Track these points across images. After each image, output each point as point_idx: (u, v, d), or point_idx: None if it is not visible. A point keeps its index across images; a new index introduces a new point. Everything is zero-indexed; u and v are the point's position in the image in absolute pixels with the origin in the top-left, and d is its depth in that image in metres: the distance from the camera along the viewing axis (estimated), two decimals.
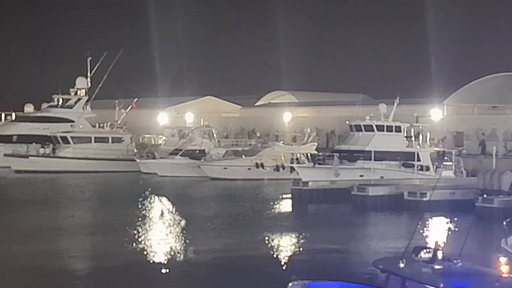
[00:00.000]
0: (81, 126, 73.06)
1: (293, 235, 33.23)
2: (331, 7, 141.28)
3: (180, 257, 27.63)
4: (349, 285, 15.91)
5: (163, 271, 25.18)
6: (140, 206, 42.37)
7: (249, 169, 60.64)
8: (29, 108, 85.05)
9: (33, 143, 69.16)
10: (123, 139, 72.00)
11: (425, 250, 14.76)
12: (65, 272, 25.24)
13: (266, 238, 31.64)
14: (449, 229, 35.27)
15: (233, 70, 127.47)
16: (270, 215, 40.99)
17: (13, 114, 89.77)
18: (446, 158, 49.47)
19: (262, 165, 60.29)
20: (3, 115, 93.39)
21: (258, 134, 73.81)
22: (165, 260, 27.03)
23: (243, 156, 62.41)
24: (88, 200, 47.83)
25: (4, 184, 57.56)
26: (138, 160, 65.88)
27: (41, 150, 68.63)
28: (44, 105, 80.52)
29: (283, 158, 60.74)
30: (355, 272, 24.28)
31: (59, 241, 31.42)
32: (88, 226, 36.03)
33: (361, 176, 47.60)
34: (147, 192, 49.53)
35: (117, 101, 77.15)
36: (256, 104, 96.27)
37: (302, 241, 31.45)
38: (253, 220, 38.49)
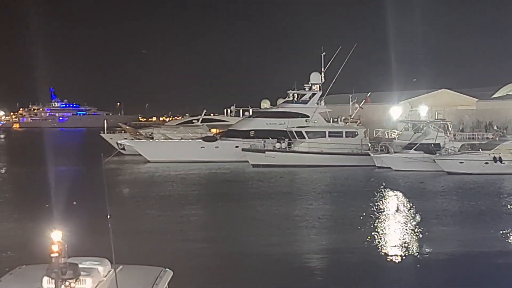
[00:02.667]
0: (315, 121, 74.06)
1: None
2: None
3: (415, 252, 26.88)
4: None
5: (398, 265, 24.68)
6: (375, 200, 41.99)
7: (486, 163, 58.29)
8: (265, 104, 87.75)
9: (270, 138, 70.96)
10: (357, 133, 72.00)
11: None
12: (303, 262, 25.61)
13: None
14: None
15: (468, 62, 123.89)
16: None
17: (251, 110, 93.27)
18: None
19: (500, 159, 57.72)
20: (241, 111, 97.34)
21: (495, 127, 71.08)
22: (400, 254, 26.41)
23: (480, 150, 60.23)
24: (324, 193, 48.15)
25: (244, 178, 59.53)
26: (372, 154, 65.59)
27: (277, 145, 70.30)
28: (280, 101, 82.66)
29: None
30: None
31: (298, 232, 32.14)
32: (325, 218, 36.39)
33: None
34: (381, 186, 49.10)
35: (350, 96, 77.45)
36: (493, 96, 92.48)
37: None
38: (497, 215, 36.70)
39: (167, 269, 12.62)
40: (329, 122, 75.20)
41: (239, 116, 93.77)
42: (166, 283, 12.00)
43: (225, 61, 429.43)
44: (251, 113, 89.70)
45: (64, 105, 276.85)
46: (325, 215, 37.59)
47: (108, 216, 10.87)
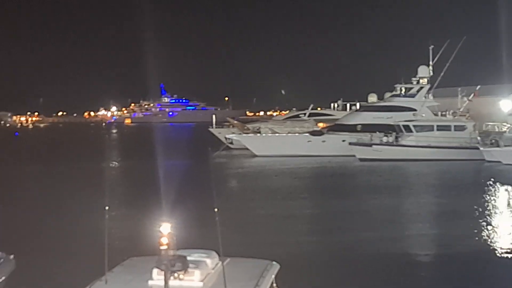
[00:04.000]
0: (423, 115, 72.87)
1: None
2: None
3: None
4: None
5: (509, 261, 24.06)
6: (484, 195, 40.95)
7: None
8: (372, 98, 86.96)
9: (377, 132, 70.28)
10: (465, 127, 70.35)
11: None
12: (414, 256, 25.30)
13: None
14: None
15: None
16: None
17: (358, 104, 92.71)
18: None
19: None
20: (347, 105, 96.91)
21: None
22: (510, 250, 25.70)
23: None
24: (433, 187, 47.43)
25: (351, 171, 59.28)
26: (481, 148, 63.94)
27: (384, 139, 69.53)
28: (387, 95, 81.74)
29: None
30: None
31: (410, 226, 31.86)
32: (436, 212, 35.89)
33: None
34: (491, 181, 47.80)
35: (459, 89, 75.80)
36: None
37: None
38: None
39: (274, 262, 12.72)
40: (437, 115, 73.84)
41: (346, 110, 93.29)
42: (273, 276, 12.09)
43: (331, 56, 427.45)
44: (358, 107, 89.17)
45: (173, 101, 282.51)
46: (436, 209, 36.99)
47: (216, 209, 11.05)
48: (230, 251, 11.72)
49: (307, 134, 75.67)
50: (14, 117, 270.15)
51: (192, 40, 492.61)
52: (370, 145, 69.01)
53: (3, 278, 15.13)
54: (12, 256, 16.07)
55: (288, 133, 76.67)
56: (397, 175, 56.26)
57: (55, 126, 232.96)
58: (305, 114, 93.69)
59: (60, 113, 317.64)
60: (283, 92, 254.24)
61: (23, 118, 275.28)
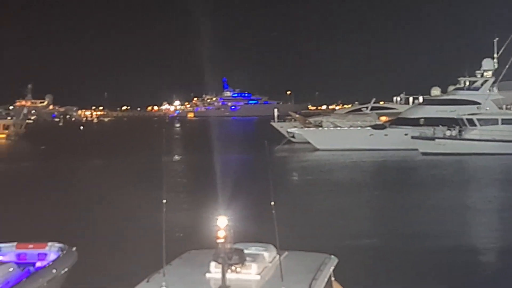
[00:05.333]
0: (487, 108, 71.65)
1: None
2: None
3: None
4: None
5: None
6: None
7: None
8: (436, 91, 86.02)
9: (440, 126, 69.35)
10: None
11: None
12: (475, 251, 24.85)
13: None
14: None
15: None
16: None
17: (421, 98, 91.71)
18: None
19: None
20: (410, 98, 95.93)
21: None
22: None
23: None
24: (498, 181, 46.67)
25: (414, 165, 58.70)
26: None
27: (448, 133, 68.59)
28: (451, 88, 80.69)
29: None
30: None
31: (480, 221, 31.61)
32: (503, 207, 35.30)
33: None
34: None
35: None
36: None
37: None
38: None
39: (332, 255, 12.65)
40: (502, 109, 72.51)
41: (409, 104, 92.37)
42: (331, 270, 12.03)
43: (394, 49, 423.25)
44: (421, 101, 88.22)
45: (236, 95, 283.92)
46: (504, 204, 36.30)
47: (272, 203, 11.05)
48: (287, 245, 11.72)
49: (369, 127, 75.23)
50: (79, 112, 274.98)
51: (255, 35, 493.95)
52: (433, 138, 68.16)
53: (66, 270, 15.42)
54: (74, 249, 16.37)
55: (350, 126, 76.32)
56: (461, 169, 55.45)
57: (119, 120, 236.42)
58: (367, 107, 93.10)
59: (124, 108, 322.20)
60: (317, 93, 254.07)
61: (88, 113, 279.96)
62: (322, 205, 36.15)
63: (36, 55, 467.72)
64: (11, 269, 14.12)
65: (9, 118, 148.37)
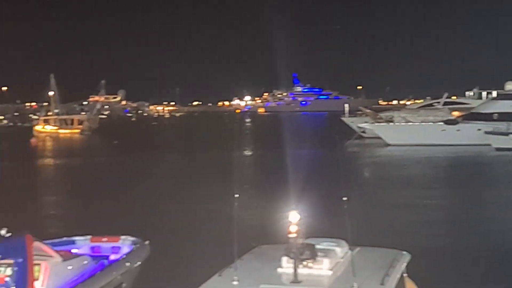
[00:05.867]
0: None
1: None
2: None
3: None
4: None
5: None
6: None
7: None
8: (510, 86, 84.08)
9: None
10: None
11: None
12: None
13: None
14: None
15: None
16: None
17: (494, 92, 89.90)
18: None
19: None
20: (484, 93, 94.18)
21: None
22: None
23: None
24: None
25: (488, 161, 57.62)
26: None
27: None
28: None
29: None
30: None
31: None
32: None
33: None
34: None
35: None
36: None
37: None
38: None
39: (404, 252, 12.50)
40: None
41: (482, 99, 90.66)
42: (403, 266, 11.89)
43: (467, 43, 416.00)
44: (495, 95, 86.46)
45: (306, 90, 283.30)
46: None
47: (345, 198, 10.97)
48: (359, 241, 11.61)
49: (441, 123, 74.11)
50: (151, 107, 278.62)
51: (326, 29, 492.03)
52: (507, 134, 66.67)
53: (139, 263, 15.62)
54: (147, 242, 16.55)
55: (422, 122, 75.33)
56: None
57: (191, 115, 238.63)
58: (439, 102, 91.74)
59: (195, 103, 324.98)
60: (388, 88, 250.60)
61: (159, 108, 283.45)
62: (395, 201, 35.74)
63: (109, 50, 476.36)
64: (85, 262, 14.37)
65: (83, 113, 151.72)
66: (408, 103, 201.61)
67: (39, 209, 34.25)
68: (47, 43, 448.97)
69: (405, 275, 12.01)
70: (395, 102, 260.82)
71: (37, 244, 12.74)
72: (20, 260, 11.96)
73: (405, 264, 12.01)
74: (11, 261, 12.10)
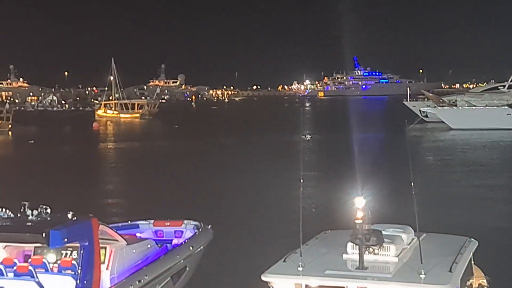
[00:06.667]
0: None
1: None
2: None
3: None
4: None
5: None
6: None
7: None
8: None
9: None
10: None
11: None
12: None
13: None
14: None
15: None
16: None
17: None
18: None
19: None
20: None
21: None
22: None
23: None
24: None
25: None
26: None
27: None
28: None
29: None
30: None
31: None
32: None
33: None
34: None
35: None
36: None
37: None
38: None
39: (472, 239, 12.26)
40: None
41: None
42: (471, 253, 11.66)
43: None
44: None
45: (367, 73, 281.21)
46: None
47: (412, 184, 10.78)
48: (426, 227, 11.41)
49: (506, 106, 72.61)
50: (211, 91, 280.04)
51: (385, 13, 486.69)
52: None
53: (202, 247, 15.65)
54: (210, 226, 16.58)
55: (486, 106, 73.92)
56: None
57: (250, 100, 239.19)
58: (504, 86, 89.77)
59: (254, 87, 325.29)
60: (450, 71, 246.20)
61: (219, 92, 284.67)
62: (460, 186, 35.08)
63: (169, 35, 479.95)
64: (149, 246, 14.46)
65: (143, 98, 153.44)
66: (472, 86, 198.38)
67: (103, 193, 34.72)
68: (107, 28, 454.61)
69: (472, 262, 11.81)
70: (457, 85, 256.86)
71: (102, 227, 12.86)
72: (86, 243, 12.08)
73: (472, 251, 11.79)
74: (78, 245, 12.23)
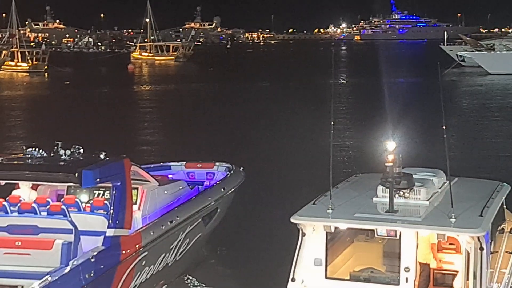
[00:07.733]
0: None
1: None
2: None
3: None
4: None
5: None
6: None
7: None
8: None
9: None
10: None
11: None
12: None
13: None
14: None
15: None
16: None
17: None
18: None
19: None
20: None
21: None
22: None
23: None
24: None
25: None
26: None
27: None
28: None
29: None
30: None
31: None
32: None
33: None
34: None
35: None
36: None
37: None
38: None
39: (504, 183, 12.13)
40: None
41: None
42: (503, 198, 11.54)
43: None
44: None
45: (404, 17, 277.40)
46: None
47: (444, 127, 10.64)
48: (458, 170, 11.29)
49: None
50: (246, 34, 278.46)
51: None
52: None
53: (233, 189, 15.67)
54: (241, 169, 16.57)
55: None
56: None
57: (286, 43, 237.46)
58: None
59: (290, 30, 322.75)
60: (489, 15, 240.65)
61: (254, 35, 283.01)
62: (496, 131, 34.59)
63: None
64: (181, 187, 14.50)
65: (178, 40, 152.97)
66: (510, 31, 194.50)
67: (136, 134, 34.94)
68: None
69: (504, 207, 11.70)
70: (496, 30, 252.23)
71: (134, 168, 12.89)
72: (119, 183, 12.12)
73: (504, 196, 11.66)
74: (110, 185, 12.31)
